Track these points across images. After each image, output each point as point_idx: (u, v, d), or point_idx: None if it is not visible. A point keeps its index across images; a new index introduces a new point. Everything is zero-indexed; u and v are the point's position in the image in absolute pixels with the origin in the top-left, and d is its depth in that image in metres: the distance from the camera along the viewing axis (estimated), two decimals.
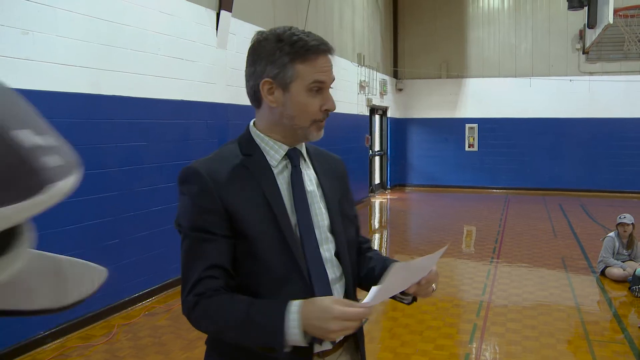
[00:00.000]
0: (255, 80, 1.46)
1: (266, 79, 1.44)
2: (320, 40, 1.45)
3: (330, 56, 1.47)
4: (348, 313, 1.28)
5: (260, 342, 1.34)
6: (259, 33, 1.48)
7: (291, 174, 1.51)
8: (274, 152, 1.50)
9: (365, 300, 1.35)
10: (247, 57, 1.49)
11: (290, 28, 1.45)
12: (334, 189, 1.60)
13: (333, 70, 1.48)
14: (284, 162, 1.51)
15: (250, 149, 1.50)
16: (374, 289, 1.36)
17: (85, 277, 0.63)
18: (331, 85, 1.49)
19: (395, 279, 1.41)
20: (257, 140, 1.51)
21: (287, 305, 1.31)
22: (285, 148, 1.51)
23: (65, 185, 0.48)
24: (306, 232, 1.47)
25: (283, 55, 1.41)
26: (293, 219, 1.47)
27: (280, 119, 1.47)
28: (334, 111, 1.53)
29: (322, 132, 1.52)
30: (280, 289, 1.42)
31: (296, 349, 1.32)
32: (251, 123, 1.55)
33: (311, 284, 1.44)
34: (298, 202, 1.48)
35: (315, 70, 1.42)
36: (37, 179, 0.44)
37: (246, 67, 1.49)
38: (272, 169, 1.49)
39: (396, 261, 1.57)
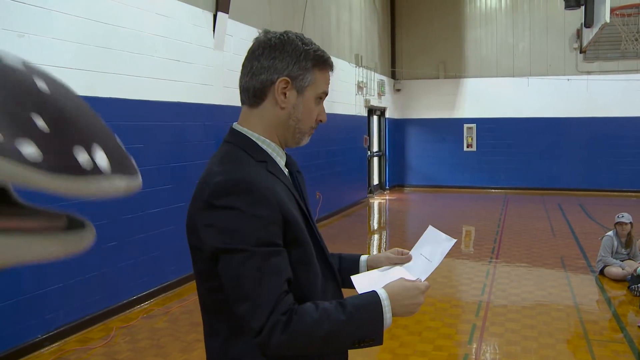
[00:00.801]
0: (270, 75, 1.42)
1: (285, 78, 1.42)
2: (328, 56, 1.54)
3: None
4: (424, 285, 1.46)
5: (363, 337, 1.35)
6: (273, 32, 1.47)
7: (297, 180, 1.56)
8: (280, 159, 1.50)
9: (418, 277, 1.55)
10: (262, 50, 1.44)
11: (309, 38, 1.50)
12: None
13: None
14: (285, 168, 1.54)
15: (261, 157, 1.44)
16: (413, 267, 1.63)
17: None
18: None
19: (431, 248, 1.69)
20: (264, 147, 1.46)
21: (377, 295, 1.38)
22: (284, 155, 1.53)
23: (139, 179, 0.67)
24: (320, 235, 1.54)
25: (308, 59, 1.44)
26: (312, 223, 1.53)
27: (287, 120, 1.46)
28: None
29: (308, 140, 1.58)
30: (324, 292, 1.47)
31: None
32: (240, 127, 1.49)
33: (338, 282, 1.56)
34: (307, 206, 1.55)
35: (325, 82, 1.50)
36: (133, 166, 0.67)
37: (257, 60, 1.43)
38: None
39: (353, 254, 1.75)
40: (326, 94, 1.52)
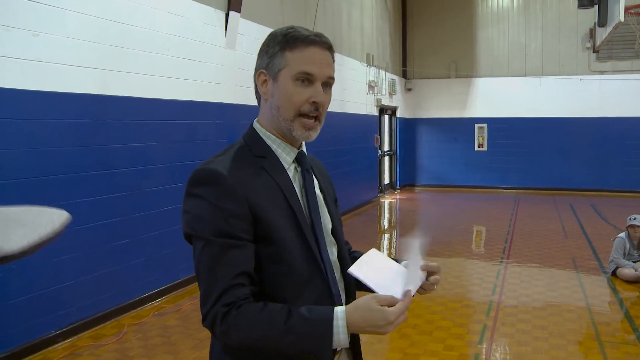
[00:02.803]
0: (255, 72, 1.49)
1: (260, 70, 1.47)
2: (316, 33, 1.45)
3: (326, 51, 1.45)
4: (399, 311, 1.30)
5: (305, 350, 1.29)
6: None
7: (304, 178, 1.50)
8: (286, 155, 1.48)
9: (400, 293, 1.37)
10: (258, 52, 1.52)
11: (294, 26, 1.48)
12: (329, 192, 1.63)
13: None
14: (294, 165, 1.50)
15: (262, 151, 1.46)
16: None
17: (40, 221, 0.69)
18: (328, 82, 1.45)
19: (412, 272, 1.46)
20: (268, 142, 1.48)
21: (332, 312, 1.30)
22: (295, 151, 1.50)
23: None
24: (320, 235, 1.47)
25: (275, 44, 1.44)
26: (309, 222, 1.46)
27: (271, 110, 1.46)
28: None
29: (311, 134, 1.46)
30: (302, 291, 1.40)
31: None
32: (255, 122, 1.53)
33: (329, 284, 1.46)
34: (311, 205, 1.48)
35: (304, 60, 1.41)
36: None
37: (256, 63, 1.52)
38: (287, 171, 1.47)
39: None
40: (309, 74, 1.40)
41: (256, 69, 1.49)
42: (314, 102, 1.42)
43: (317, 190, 1.55)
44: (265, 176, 1.42)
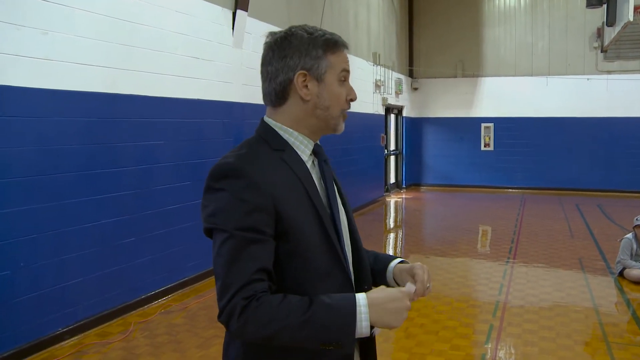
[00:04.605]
0: (286, 74, 1.45)
1: (301, 71, 1.45)
2: (339, 36, 1.53)
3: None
4: (407, 293, 1.37)
5: (328, 339, 1.27)
6: (278, 32, 1.50)
7: (322, 170, 1.52)
8: (304, 147, 1.49)
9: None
10: (272, 53, 1.47)
11: (314, 27, 1.50)
12: (342, 186, 1.64)
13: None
14: (312, 158, 1.52)
15: (280, 144, 1.46)
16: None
17: None
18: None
19: None
20: (285, 136, 1.48)
21: (354, 298, 1.30)
22: (312, 143, 1.52)
23: None
24: (339, 225, 1.48)
25: (317, 47, 1.46)
26: (329, 215, 1.46)
27: (314, 110, 1.47)
28: (350, 110, 1.54)
29: (344, 126, 1.57)
30: (323, 283, 1.39)
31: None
32: (267, 119, 1.52)
33: (350, 278, 1.46)
34: (331, 197, 1.49)
35: (343, 61, 1.50)
36: None
37: (270, 64, 1.48)
38: (305, 163, 1.48)
39: (389, 256, 1.68)
40: (347, 72, 1.51)
41: (288, 69, 1.45)
42: (351, 99, 1.53)
43: (333, 183, 1.56)
44: (286, 169, 1.43)
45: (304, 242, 1.38)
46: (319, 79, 1.46)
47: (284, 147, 1.46)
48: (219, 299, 1.31)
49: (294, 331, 1.26)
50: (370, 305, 1.30)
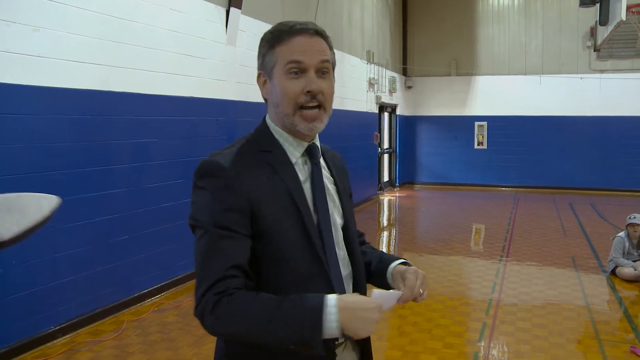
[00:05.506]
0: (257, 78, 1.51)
1: (259, 72, 1.48)
2: (301, 22, 1.42)
3: (315, 37, 1.41)
4: (380, 307, 1.30)
5: (295, 338, 1.25)
6: None
7: (312, 171, 1.47)
8: (293, 149, 1.46)
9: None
10: None
11: (284, 21, 1.46)
12: (344, 185, 1.60)
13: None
14: (304, 159, 1.48)
15: (269, 145, 1.45)
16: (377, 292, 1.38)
17: (30, 208, 0.70)
18: (323, 68, 1.41)
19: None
20: (277, 136, 1.47)
21: (324, 298, 1.26)
22: (304, 145, 1.47)
23: None
24: (326, 232, 1.44)
25: (265, 43, 1.44)
26: (315, 218, 1.43)
27: (275, 108, 1.45)
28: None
29: (316, 125, 1.42)
30: (301, 289, 1.35)
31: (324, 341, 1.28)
32: (267, 118, 1.51)
33: (332, 283, 1.42)
34: (318, 200, 1.45)
35: (291, 51, 1.38)
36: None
37: None
38: (294, 165, 1.45)
39: (392, 257, 1.61)
40: (297, 61, 1.38)
41: (258, 70, 1.50)
42: (308, 92, 1.38)
43: (329, 184, 1.53)
44: (270, 171, 1.41)
45: (283, 245, 1.37)
46: (269, 77, 1.44)
47: (272, 148, 1.45)
48: (195, 293, 1.32)
49: (263, 328, 1.25)
50: (341, 308, 1.25)
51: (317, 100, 1.40)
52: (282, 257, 1.37)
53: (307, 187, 1.45)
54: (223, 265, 1.30)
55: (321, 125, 1.44)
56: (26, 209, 0.68)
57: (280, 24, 1.44)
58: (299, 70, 1.38)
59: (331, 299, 1.26)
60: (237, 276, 1.31)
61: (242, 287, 1.31)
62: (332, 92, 1.45)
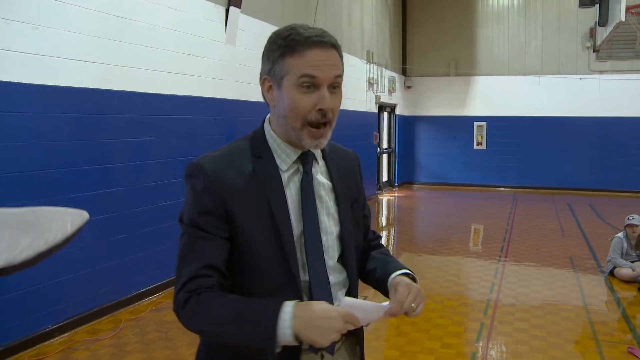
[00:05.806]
0: (260, 77, 1.44)
1: (264, 76, 1.41)
2: (317, 33, 1.35)
3: (331, 50, 1.36)
4: (348, 316, 1.26)
5: (249, 341, 1.25)
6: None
7: (301, 180, 1.43)
8: (286, 156, 1.43)
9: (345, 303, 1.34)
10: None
11: (295, 25, 1.39)
12: (347, 190, 1.54)
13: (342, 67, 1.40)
14: (295, 166, 1.44)
15: (260, 150, 1.42)
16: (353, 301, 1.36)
17: (51, 226, 0.63)
18: (335, 83, 1.37)
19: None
20: (270, 141, 1.44)
21: (281, 305, 1.24)
22: (298, 152, 1.43)
23: None
24: (311, 241, 1.41)
25: (276, 49, 1.36)
26: (299, 228, 1.40)
27: (278, 118, 1.41)
28: (343, 108, 1.48)
29: (321, 142, 1.40)
30: (273, 297, 1.33)
31: (285, 348, 1.26)
32: (266, 119, 1.48)
33: (310, 295, 1.39)
34: (306, 209, 1.41)
35: (306, 64, 1.32)
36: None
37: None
38: (282, 173, 1.42)
39: (397, 265, 1.56)
40: (312, 76, 1.32)
41: (260, 74, 1.43)
42: (320, 110, 1.34)
43: (324, 191, 1.48)
44: (253, 178, 1.39)
45: (256, 253, 1.37)
46: (278, 85, 1.37)
47: (262, 153, 1.42)
48: (174, 290, 1.39)
49: (223, 329, 1.29)
50: (296, 315, 1.22)
51: (326, 118, 1.37)
52: (254, 264, 1.38)
53: (293, 196, 1.42)
54: (196, 264, 1.34)
55: (325, 141, 1.41)
56: (45, 227, 0.61)
57: (293, 29, 1.36)
58: (311, 85, 1.33)
59: (288, 305, 1.24)
60: (210, 275, 1.34)
61: (215, 286, 1.34)
62: (340, 106, 1.41)
